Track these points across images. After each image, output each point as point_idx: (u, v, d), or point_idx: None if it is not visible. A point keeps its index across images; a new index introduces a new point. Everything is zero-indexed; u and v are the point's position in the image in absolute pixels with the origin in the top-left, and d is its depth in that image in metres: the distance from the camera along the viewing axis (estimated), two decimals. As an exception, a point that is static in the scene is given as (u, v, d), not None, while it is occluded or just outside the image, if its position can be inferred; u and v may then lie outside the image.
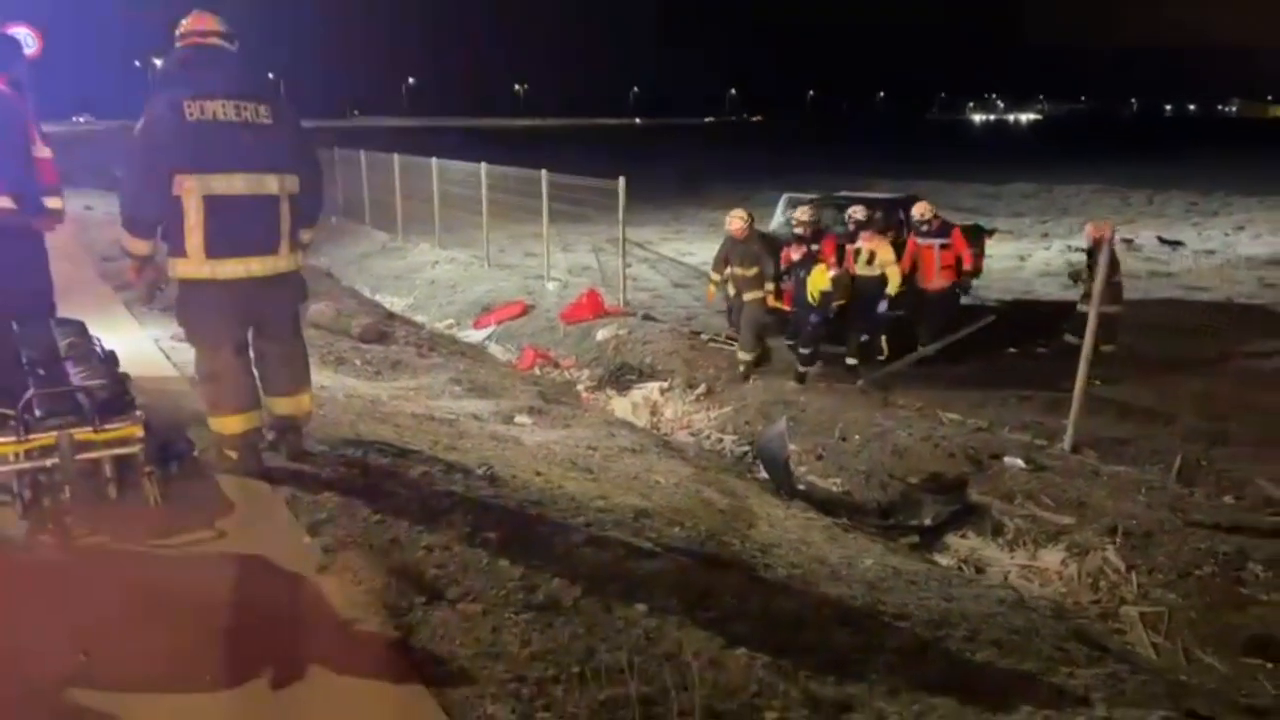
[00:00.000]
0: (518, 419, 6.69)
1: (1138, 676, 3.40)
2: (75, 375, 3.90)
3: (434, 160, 16.65)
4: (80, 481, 3.56)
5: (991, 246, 18.35)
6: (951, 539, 6.59)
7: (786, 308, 9.55)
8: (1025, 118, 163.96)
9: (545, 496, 4.24)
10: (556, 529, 3.77)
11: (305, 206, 3.98)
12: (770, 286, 9.32)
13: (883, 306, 9.54)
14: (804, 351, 9.23)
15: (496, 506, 3.87)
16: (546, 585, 3.15)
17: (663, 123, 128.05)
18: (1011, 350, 10.82)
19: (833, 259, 9.76)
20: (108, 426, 3.58)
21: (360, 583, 3.00)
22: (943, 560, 6.23)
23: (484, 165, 14.99)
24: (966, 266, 10.22)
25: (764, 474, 7.20)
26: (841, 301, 9.42)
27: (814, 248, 9.62)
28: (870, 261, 9.56)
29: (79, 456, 3.54)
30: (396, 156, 18.20)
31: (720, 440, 8.45)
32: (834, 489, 7.37)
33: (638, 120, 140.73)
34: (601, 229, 14.86)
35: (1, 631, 2.74)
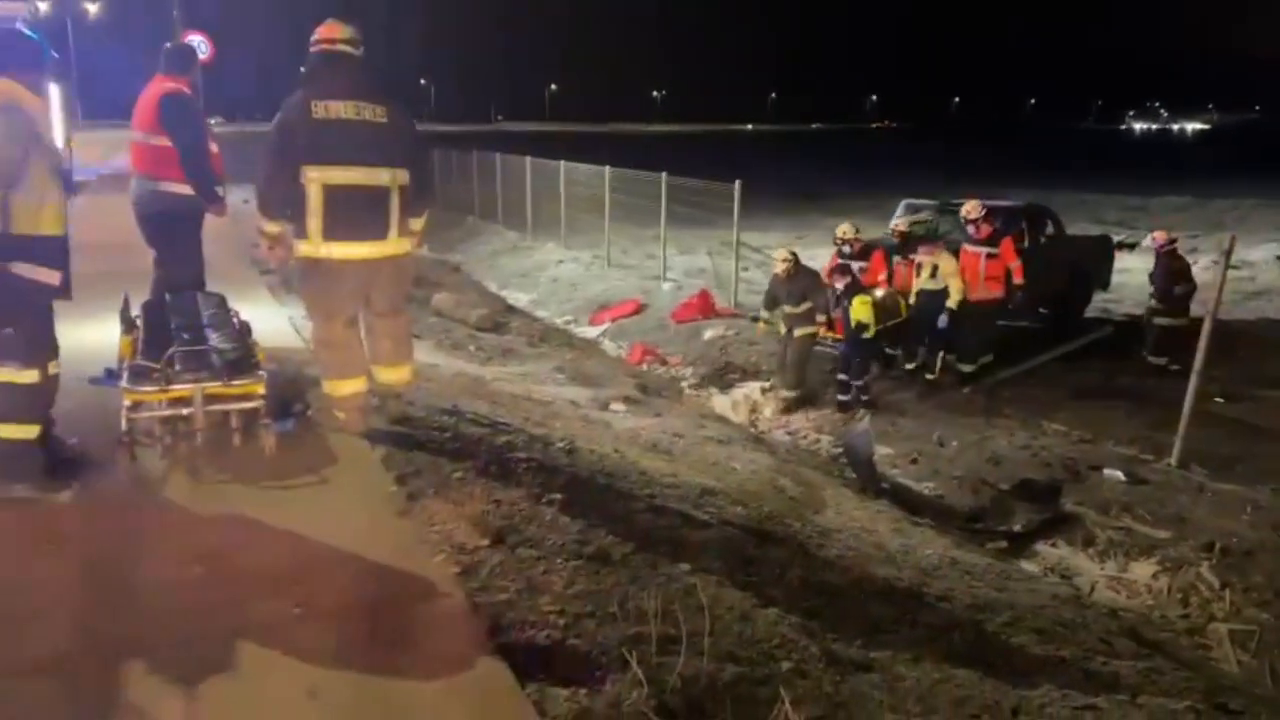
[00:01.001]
0: (612, 406, 7.03)
1: (1179, 672, 3.42)
2: (212, 339, 4.46)
3: (562, 163, 17.27)
4: (210, 429, 4.10)
5: (1129, 260, 17.64)
6: (1041, 547, 6.53)
7: (841, 336, 9.29)
8: (1191, 127, 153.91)
9: (617, 470, 4.55)
10: (620, 497, 4.06)
11: (414, 198, 4.36)
12: (823, 318, 9.19)
13: (942, 321, 9.17)
14: (848, 382, 8.91)
15: (569, 474, 4.20)
16: (599, 541, 3.45)
17: (800, 129, 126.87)
18: (1132, 364, 10.45)
19: (883, 276, 9.53)
20: (235, 383, 4.12)
21: (432, 526, 3.39)
22: (1030, 567, 6.20)
23: (608, 168, 15.47)
24: (1017, 280, 9.41)
25: (852, 473, 7.29)
26: (899, 320, 9.22)
27: (861, 266, 9.46)
28: (934, 275, 9.25)
29: (209, 408, 4.09)
30: (529, 160, 18.94)
31: (816, 440, 8.56)
32: (925, 492, 7.39)
33: (773, 126, 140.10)
34: (720, 232, 15.10)
35: (139, 546, 3.25)
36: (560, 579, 3.10)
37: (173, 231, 5.46)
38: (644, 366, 10.48)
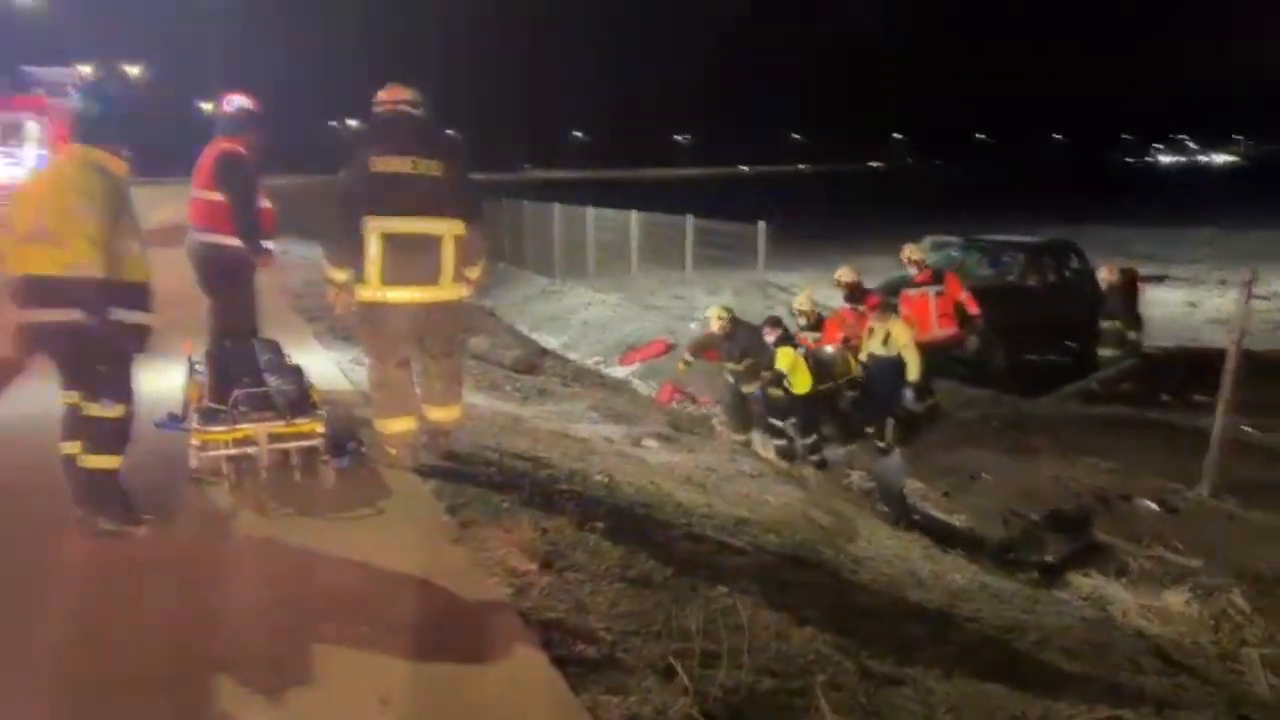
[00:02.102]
0: (645, 442, 7.24)
1: (1205, 688, 3.53)
2: (271, 382, 4.74)
3: (589, 209, 17.67)
4: (273, 466, 4.36)
5: (1160, 292, 17.66)
6: (1074, 576, 6.60)
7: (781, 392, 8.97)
8: (1221, 159, 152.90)
9: (654, 501, 4.75)
10: (659, 526, 4.27)
11: (469, 247, 4.60)
12: (767, 375, 8.86)
13: (909, 396, 8.64)
14: (781, 429, 8.71)
15: (608, 504, 4.41)
16: (641, 565, 3.65)
17: (824, 168, 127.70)
18: (1164, 397, 10.50)
19: (839, 335, 9.31)
20: (296, 422, 4.38)
21: (484, 551, 3.61)
22: (1063, 596, 6.28)
23: (634, 213, 15.83)
24: (973, 311, 9.18)
25: (884, 505, 7.42)
26: (852, 378, 9.00)
27: (815, 337, 9.36)
28: (885, 342, 8.74)
29: (272, 446, 4.35)
30: (557, 206, 19.38)
31: (847, 474, 8.69)
32: (957, 523, 7.49)
33: (800, 167, 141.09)
34: (747, 273, 15.36)
35: (217, 573, 3.50)
36: (606, 599, 3.30)
37: (226, 281, 5.78)
38: (674, 405, 10.67)
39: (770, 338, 8.96)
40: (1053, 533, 7.07)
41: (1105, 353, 10.57)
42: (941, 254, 13.25)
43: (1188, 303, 17.44)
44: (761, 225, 12.25)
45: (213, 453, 4.32)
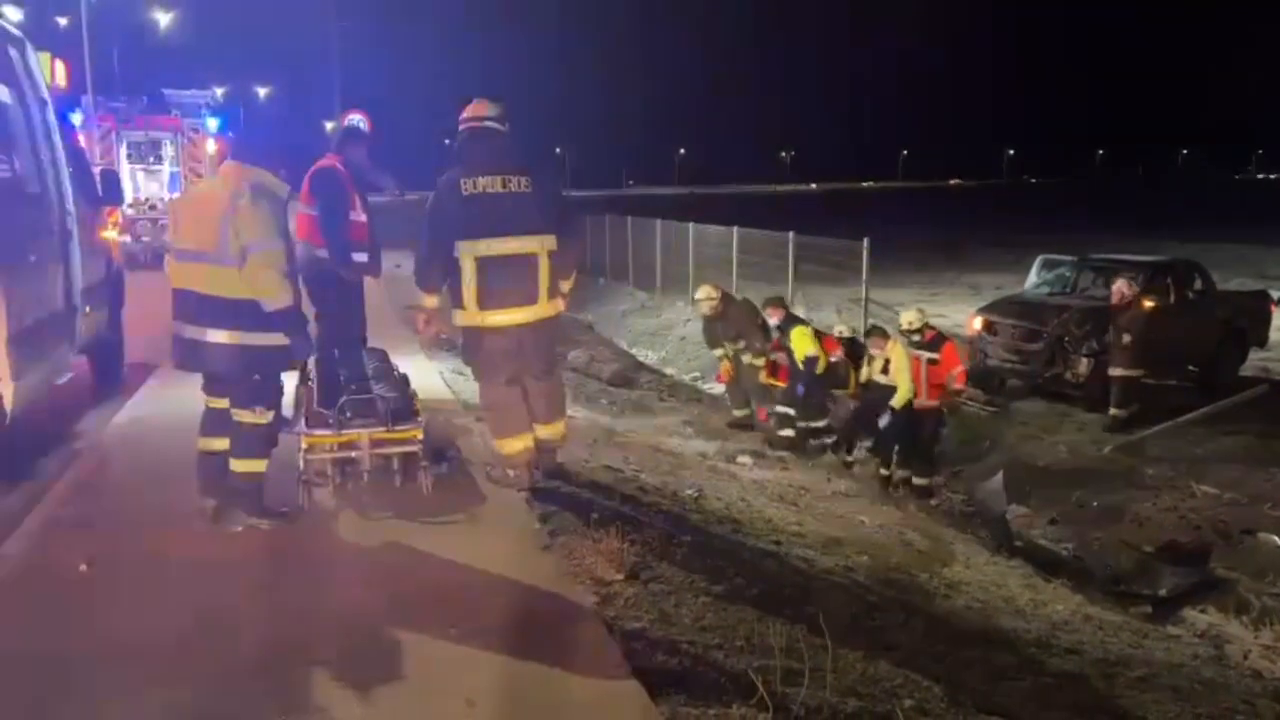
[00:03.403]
0: (739, 459, 7.22)
1: (1327, 737, 3.31)
2: (376, 389, 4.93)
3: (690, 225, 17.72)
4: (375, 470, 4.53)
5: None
6: (1189, 612, 6.26)
7: (780, 383, 8.95)
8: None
9: (744, 517, 4.74)
10: (747, 542, 4.25)
11: (563, 261, 4.62)
12: (760, 360, 8.84)
13: (883, 420, 8.30)
14: (790, 416, 8.55)
15: (697, 519, 4.43)
16: (727, 580, 3.65)
17: (932, 185, 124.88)
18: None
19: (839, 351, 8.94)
20: (397, 429, 4.55)
21: (573, 560, 3.67)
22: (1177, 633, 5.97)
23: (736, 229, 15.80)
24: (958, 385, 8.63)
25: (985, 530, 7.19)
26: (846, 392, 8.81)
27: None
28: (884, 370, 8.43)
29: (375, 451, 4.52)
30: (659, 222, 19.49)
31: (949, 498, 8.46)
32: (1063, 552, 7.20)
33: (902, 183, 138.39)
34: (849, 289, 15.12)
35: (316, 572, 3.67)
36: (690, 612, 3.31)
37: (329, 291, 5.99)
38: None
39: (774, 318, 8.84)
40: (1167, 565, 6.72)
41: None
42: (1054, 275, 12.79)
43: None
44: (865, 241, 12.06)
45: (320, 455, 4.52)
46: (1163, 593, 6.47)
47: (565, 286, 4.74)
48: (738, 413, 9.33)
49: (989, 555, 5.91)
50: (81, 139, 11.53)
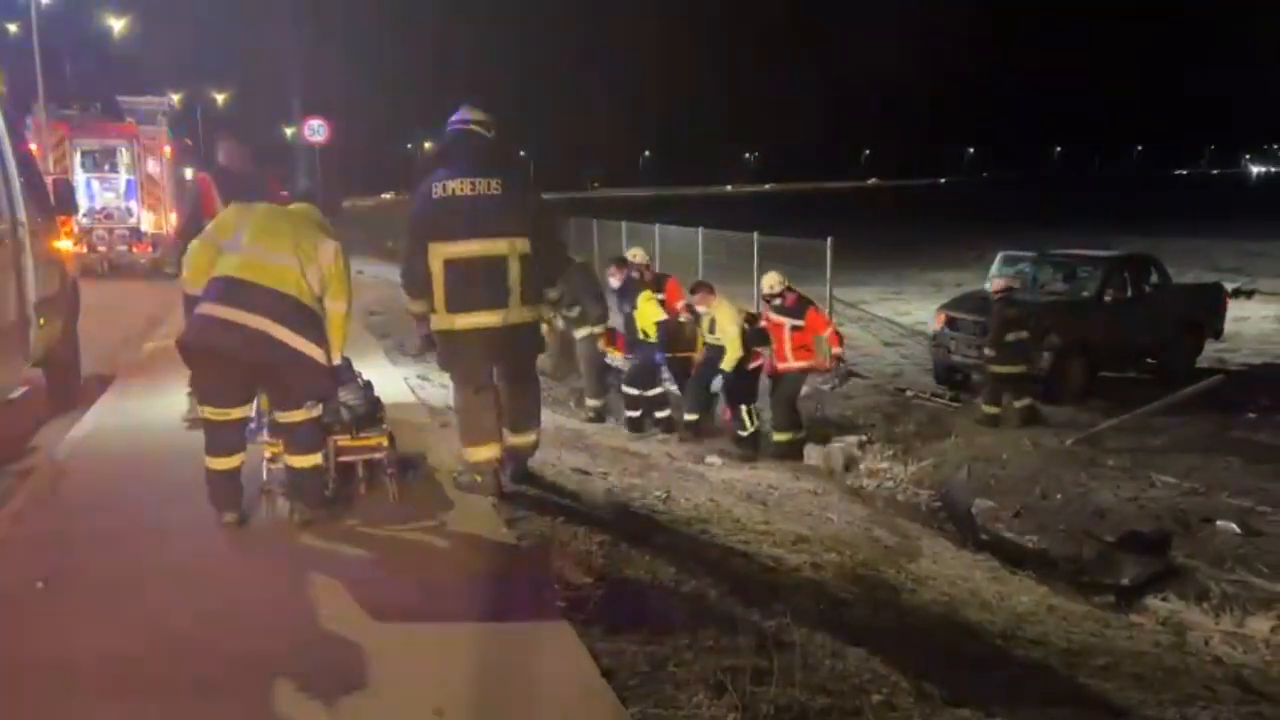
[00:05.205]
0: (708, 459, 7.23)
1: (1285, 719, 3.38)
2: (340, 396, 4.87)
3: (656, 226, 17.78)
4: (339, 478, 4.48)
5: (1248, 308, 16.97)
6: (1151, 601, 6.36)
7: (619, 354, 8.85)
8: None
9: (711, 517, 4.75)
10: (714, 541, 4.26)
11: (541, 265, 4.53)
12: (599, 329, 8.60)
13: (718, 383, 8.29)
14: (638, 396, 8.40)
15: (664, 520, 4.43)
16: (695, 581, 3.65)
17: (895, 184, 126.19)
18: (1250, 415, 10.08)
19: (681, 304, 8.74)
20: (362, 435, 4.50)
21: (541, 565, 3.65)
22: (1140, 621, 6.06)
23: (700, 229, 15.87)
24: (836, 350, 8.73)
25: (951, 525, 7.27)
26: (690, 354, 8.64)
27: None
28: (711, 330, 8.36)
29: (340, 458, 4.47)
30: (624, 224, 19.53)
31: (916, 494, 8.53)
32: (1028, 544, 7.29)
33: (870, 182, 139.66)
34: (813, 288, 15.22)
35: (285, 578, 3.62)
36: (659, 613, 3.30)
37: None
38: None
39: (615, 281, 8.51)
40: (1129, 555, 6.83)
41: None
42: (1015, 269, 12.97)
43: (1277, 318, 16.73)
44: (829, 240, 12.17)
45: (283, 464, 4.45)
46: (1125, 582, 6.57)
47: (552, 294, 4.67)
48: (592, 402, 8.66)
49: (955, 550, 5.96)
50: (33, 147, 11.31)
